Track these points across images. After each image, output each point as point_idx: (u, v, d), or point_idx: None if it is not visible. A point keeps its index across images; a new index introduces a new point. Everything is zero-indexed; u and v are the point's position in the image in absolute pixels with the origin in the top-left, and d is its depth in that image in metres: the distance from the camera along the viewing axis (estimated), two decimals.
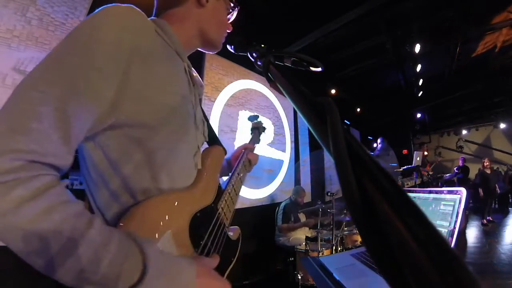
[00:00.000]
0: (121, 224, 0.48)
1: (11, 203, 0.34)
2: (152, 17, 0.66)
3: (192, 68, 0.76)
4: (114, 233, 0.40)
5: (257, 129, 1.21)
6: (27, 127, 0.36)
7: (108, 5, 0.48)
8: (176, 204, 0.55)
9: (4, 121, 0.37)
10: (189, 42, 0.70)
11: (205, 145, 0.81)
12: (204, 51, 0.80)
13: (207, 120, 0.82)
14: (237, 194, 0.85)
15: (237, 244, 0.82)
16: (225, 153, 0.82)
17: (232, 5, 0.78)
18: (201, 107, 0.81)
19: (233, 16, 0.80)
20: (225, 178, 0.92)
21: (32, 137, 0.36)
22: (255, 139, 1.16)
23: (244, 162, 0.95)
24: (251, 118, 1.25)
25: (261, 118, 1.38)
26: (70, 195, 0.41)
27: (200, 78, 0.80)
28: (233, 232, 0.83)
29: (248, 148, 1.02)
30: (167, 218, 0.52)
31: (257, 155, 1.04)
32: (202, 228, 0.61)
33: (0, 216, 0.33)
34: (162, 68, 0.54)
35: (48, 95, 0.39)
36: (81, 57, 0.43)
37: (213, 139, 0.82)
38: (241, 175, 0.91)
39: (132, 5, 0.51)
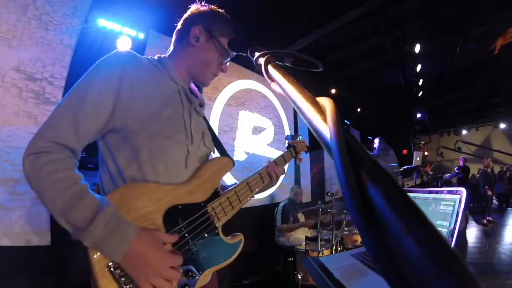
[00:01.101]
0: (106, 195, 0.65)
1: (39, 165, 0.61)
2: (161, 54, 0.88)
3: (194, 90, 0.94)
4: (89, 193, 0.62)
5: (293, 147, 1.22)
6: (56, 125, 0.66)
7: (113, 51, 0.76)
8: (155, 191, 0.69)
9: (46, 122, 0.66)
10: (182, 73, 0.86)
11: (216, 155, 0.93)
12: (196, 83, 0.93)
13: (213, 134, 0.94)
14: (241, 201, 0.88)
15: (233, 248, 0.86)
16: (233, 164, 0.91)
17: (226, 49, 0.85)
18: (207, 123, 0.94)
19: (225, 59, 0.89)
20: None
21: (57, 130, 0.65)
22: (287, 155, 1.17)
23: (261, 175, 0.99)
24: (288, 138, 1.27)
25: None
26: (74, 168, 0.66)
27: (202, 98, 0.95)
28: (232, 236, 0.88)
29: (271, 163, 1.05)
30: (142, 198, 0.67)
31: (280, 169, 1.05)
32: (180, 218, 0.71)
33: (35, 170, 0.61)
34: (147, 88, 0.75)
35: (69, 108, 0.67)
36: (89, 85, 0.70)
37: (221, 151, 0.93)
38: (253, 185, 0.94)
39: (129, 50, 0.78)
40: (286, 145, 1.24)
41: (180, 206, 0.72)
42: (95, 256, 0.59)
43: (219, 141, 0.96)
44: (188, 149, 0.79)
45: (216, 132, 3.25)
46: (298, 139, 1.28)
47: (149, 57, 0.83)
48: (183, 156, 0.78)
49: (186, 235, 0.71)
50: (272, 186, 1.07)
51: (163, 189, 0.70)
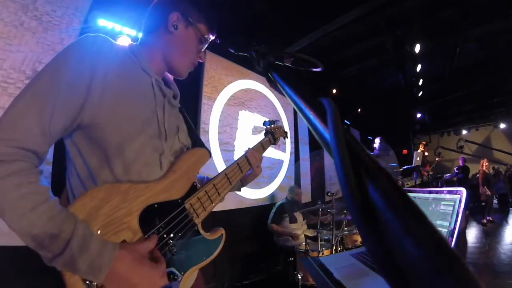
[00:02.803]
0: (74, 201, 0.57)
1: None
2: (133, 42, 0.79)
3: (168, 81, 0.86)
4: (61, 212, 0.53)
5: (271, 134, 1.20)
6: (18, 124, 0.54)
7: (82, 36, 0.66)
8: (128, 191, 0.63)
9: (4, 120, 0.54)
10: (157, 63, 0.79)
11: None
12: (172, 75, 0.86)
13: (190, 126, 0.89)
14: (219, 194, 0.85)
15: (214, 244, 0.83)
16: (210, 155, 0.86)
17: (205, 36, 0.81)
18: (183, 114, 0.88)
19: (203, 46, 0.83)
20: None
21: (19, 130, 0.54)
22: (265, 142, 1.15)
23: (239, 164, 0.96)
24: (265, 124, 1.25)
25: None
26: (40, 179, 0.56)
27: (177, 89, 0.87)
28: (212, 232, 0.84)
29: (249, 150, 1.03)
30: (114, 201, 0.60)
31: (257, 157, 1.04)
32: (157, 218, 0.67)
33: None
34: (120, 81, 0.66)
35: (33, 102, 0.56)
36: (57, 75, 0.59)
37: (196, 142, 0.88)
38: (231, 177, 0.91)
39: (99, 34, 0.67)
40: (264, 131, 1.23)
41: (156, 205, 0.67)
42: (70, 278, 0.53)
43: (195, 133, 0.91)
44: (163, 147, 0.73)
45: (216, 132, 3.27)
46: (275, 124, 1.26)
47: (120, 44, 0.75)
48: (157, 155, 0.72)
49: (165, 235, 0.67)
50: (256, 175, 1.04)
51: (136, 188, 0.65)
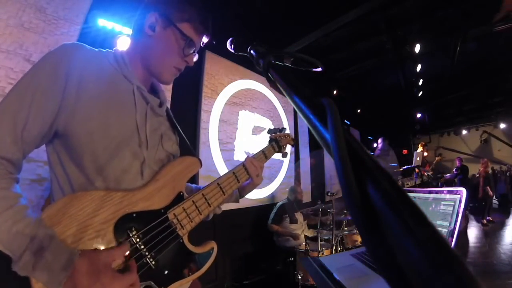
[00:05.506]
0: (47, 207, 0.56)
1: None
2: (119, 48, 0.78)
3: (156, 88, 0.83)
4: (25, 217, 0.54)
5: (275, 141, 1.14)
6: None
7: (60, 45, 0.66)
8: (104, 198, 0.61)
9: None
10: (139, 70, 0.76)
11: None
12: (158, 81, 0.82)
13: (180, 134, 0.86)
14: (210, 205, 0.80)
15: (203, 258, 0.77)
16: (200, 164, 0.83)
17: (190, 37, 0.74)
18: (172, 123, 0.85)
19: (189, 49, 0.76)
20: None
21: None
22: (268, 150, 1.09)
23: (236, 173, 0.91)
24: (270, 131, 1.19)
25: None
26: (12, 185, 0.58)
27: (164, 97, 0.84)
28: (202, 245, 0.79)
29: (248, 159, 0.98)
30: (88, 207, 0.58)
31: (257, 165, 0.97)
32: (134, 228, 0.63)
33: None
34: (95, 88, 0.66)
35: (7, 112, 0.58)
36: (31, 84, 0.61)
37: (185, 151, 0.85)
38: (225, 186, 0.86)
39: (76, 42, 0.68)
40: (268, 139, 1.17)
41: (134, 215, 0.63)
42: (35, 284, 0.53)
43: (185, 141, 0.87)
44: (143, 155, 0.70)
45: (216, 131, 3.27)
46: (281, 132, 1.20)
47: (104, 50, 0.74)
48: (138, 163, 0.70)
49: (141, 246, 0.63)
50: (255, 185, 0.99)
51: (113, 196, 0.62)
